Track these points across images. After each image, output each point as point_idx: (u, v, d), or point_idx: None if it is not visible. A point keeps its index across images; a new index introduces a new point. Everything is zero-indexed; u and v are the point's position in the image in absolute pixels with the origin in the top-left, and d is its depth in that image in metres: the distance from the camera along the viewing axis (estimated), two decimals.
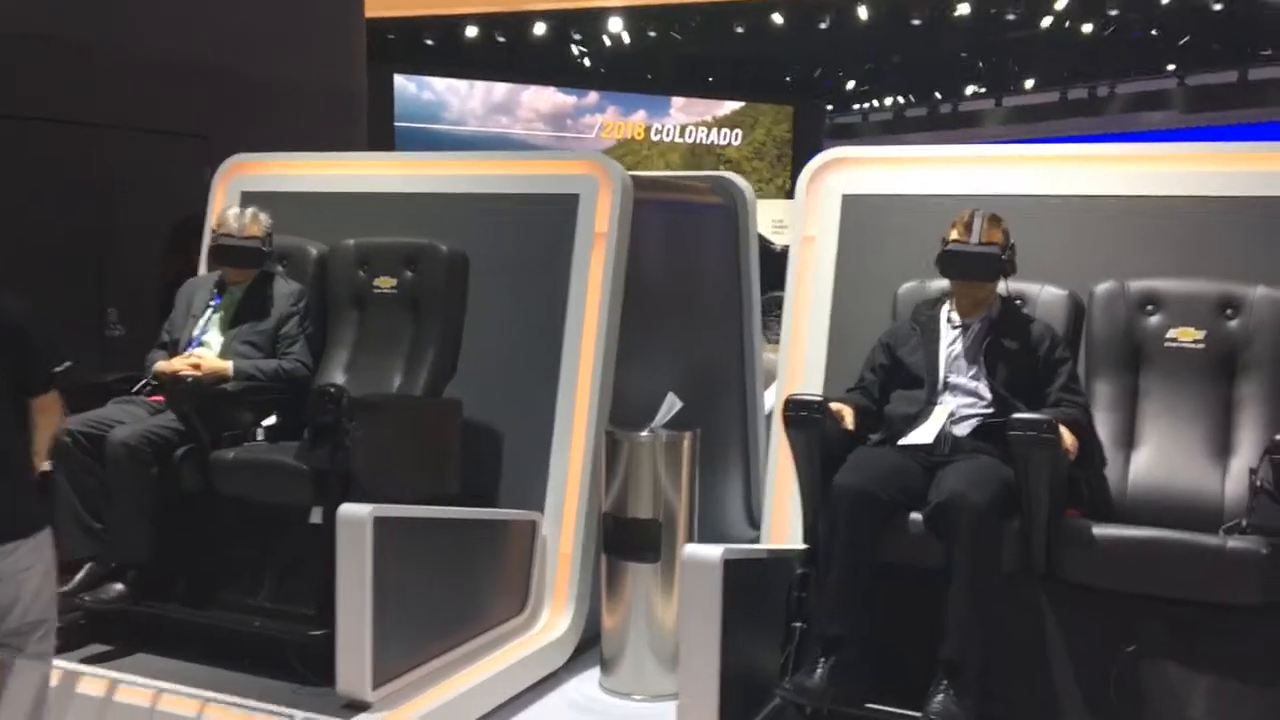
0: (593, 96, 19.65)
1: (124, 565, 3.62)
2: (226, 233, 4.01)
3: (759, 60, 19.38)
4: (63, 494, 3.63)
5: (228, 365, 3.86)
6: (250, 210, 4.08)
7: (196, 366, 3.81)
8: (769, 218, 14.95)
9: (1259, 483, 2.77)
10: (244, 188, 4.77)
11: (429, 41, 16.97)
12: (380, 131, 15.57)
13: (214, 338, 4.00)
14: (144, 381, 3.96)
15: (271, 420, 3.83)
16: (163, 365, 3.87)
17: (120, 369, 4.22)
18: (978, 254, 3.26)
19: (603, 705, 3.72)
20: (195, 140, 6.07)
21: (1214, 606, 2.86)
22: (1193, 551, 2.83)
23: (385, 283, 4.10)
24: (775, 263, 6.62)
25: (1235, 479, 3.09)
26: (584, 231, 4.07)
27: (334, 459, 3.37)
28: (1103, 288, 3.39)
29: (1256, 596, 2.79)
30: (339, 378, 4.04)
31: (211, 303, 4.06)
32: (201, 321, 4.03)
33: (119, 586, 3.59)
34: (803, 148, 19.42)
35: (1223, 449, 3.17)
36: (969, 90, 21.26)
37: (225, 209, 4.18)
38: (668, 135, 20.13)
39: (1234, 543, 2.81)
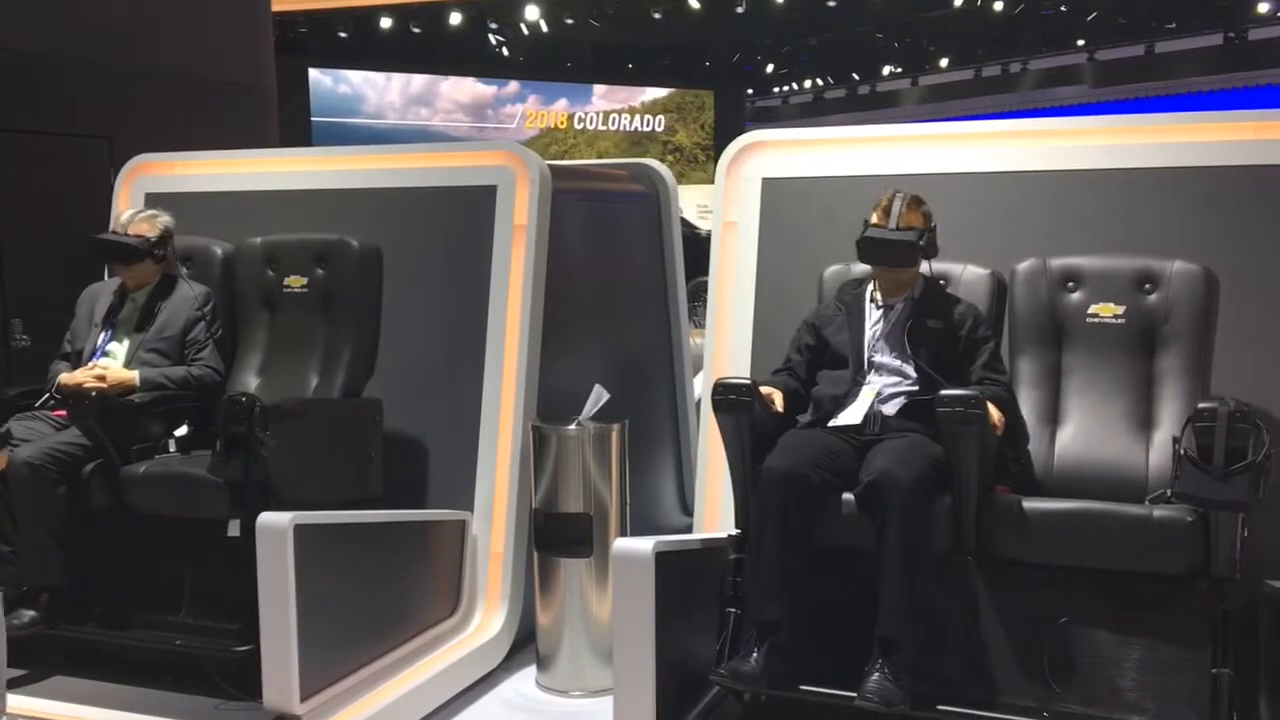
0: (513, 86, 19.52)
1: (36, 588, 3.48)
2: (112, 230, 3.88)
3: (678, 46, 19.37)
4: None
5: (134, 375, 3.73)
6: (148, 211, 3.96)
7: (101, 378, 3.67)
8: (694, 202, 15.01)
9: (1182, 450, 2.80)
10: (149, 189, 4.63)
11: (342, 34, 16.69)
12: (296, 128, 15.30)
13: (118, 347, 3.86)
14: (47, 395, 3.80)
15: (183, 430, 3.71)
16: (66, 378, 3.73)
17: (26, 380, 4.06)
18: (894, 240, 3.26)
19: (540, 703, 3.67)
20: (97, 141, 5.87)
21: (1142, 576, 2.89)
22: (1120, 522, 2.87)
23: (296, 281, 3.99)
24: (701, 248, 6.60)
25: (1159, 451, 3.13)
26: (503, 224, 3.99)
27: (249, 470, 3.27)
28: (1024, 266, 3.42)
29: (1183, 565, 2.83)
30: (252, 381, 3.94)
31: (112, 313, 3.90)
32: (105, 330, 3.88)
33: (31, 613, 3.45)
34: (725, 132, 19.47)
35: (1145, 422, 3.21)
36: (886, 70, 21.50)
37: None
38: (591, 123, 20.05)
39: (1160, 512, 2.85)
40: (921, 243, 3.26)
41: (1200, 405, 2.79)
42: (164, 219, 3.95)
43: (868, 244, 3.27)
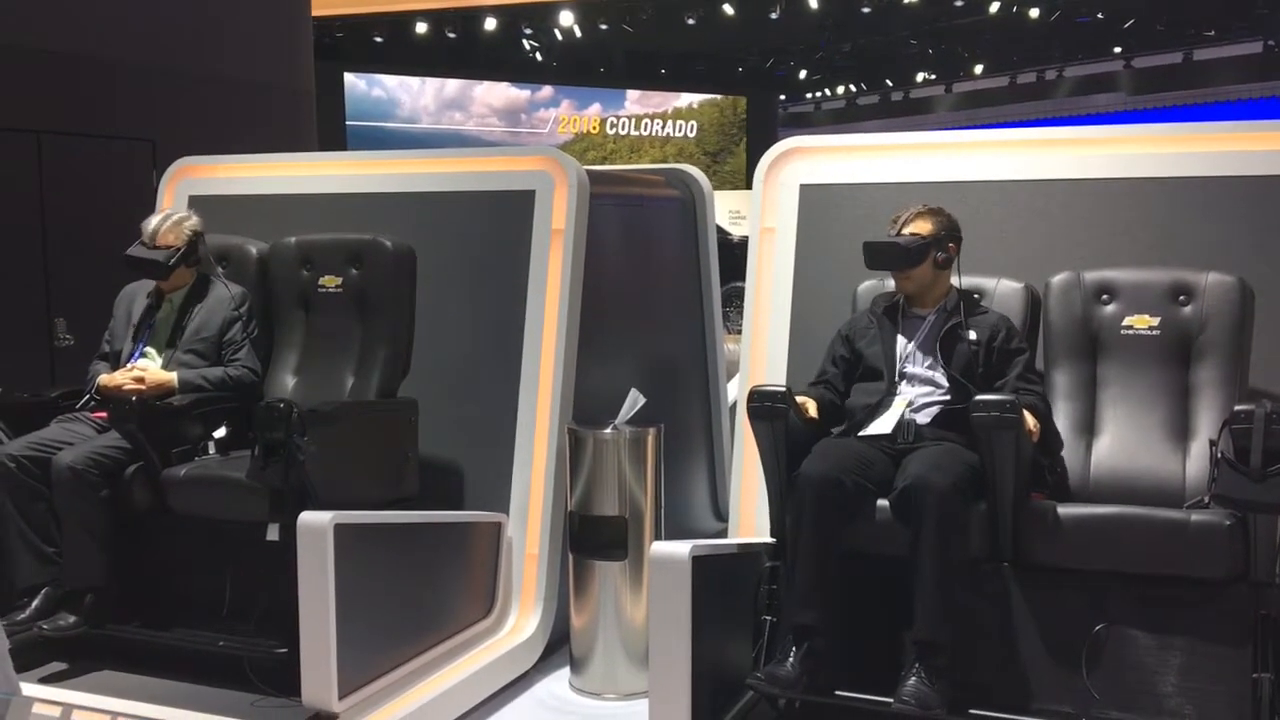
0: (547, 90, 19.62)
1: (80, 590, 3.52)
2: (140, 241, 3.87)
3: (711, 52, 19.40)
4: (11, 521, 3.53)
5: (172, 377, 3.75)
6: (174, 216, 3.92)
7: (140, 380, 3.70)
8: (725, 208, 15.02)
9: (1220, 453, 2.79)
10: (192, 191, 4.69)
11: (378, 39, 16.84)
12: (331, 131, 15.45)
13: (157, 347, 3.89)
14: (87, 397, 3.83)
15: (222, 432, 3.73)
16: (105, 379, 3.76)
17: (70, 379, 4.11)
18: (887, 244, 3.30)
19: (574, 705, 3.69)
20: (140, 144, 5.96)
21: (1180, 581, 2.88)
22: (1157, 527, 2.85)
23: (330, 281, 3.99)
24: (733, 253, 6.62)
25: (1195, 461, 3.12)
26: (541, 228, 4.02)
27: (287, 475, 3.28)
28: (1058, 279, 3.41)
29: (1222, 569, 2.82)
30: (289, 381, 3.96)
31: (149, 314, 3.93)
32: (142, 332, 3.91)
33: (74, 617, 3.48)
34: (757, 138, 19.51)
35: (1181, 433, 3.20)
36: (919, 77, 21.44)
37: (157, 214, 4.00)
38: (623, 128, 20.12)
39: (1198, 516, 2.84)
40: (911, 247, 3.27)
41: (1237, 408, 2.78)
42: (190, 222, 3.92)
43: (866, 249, 3.32)
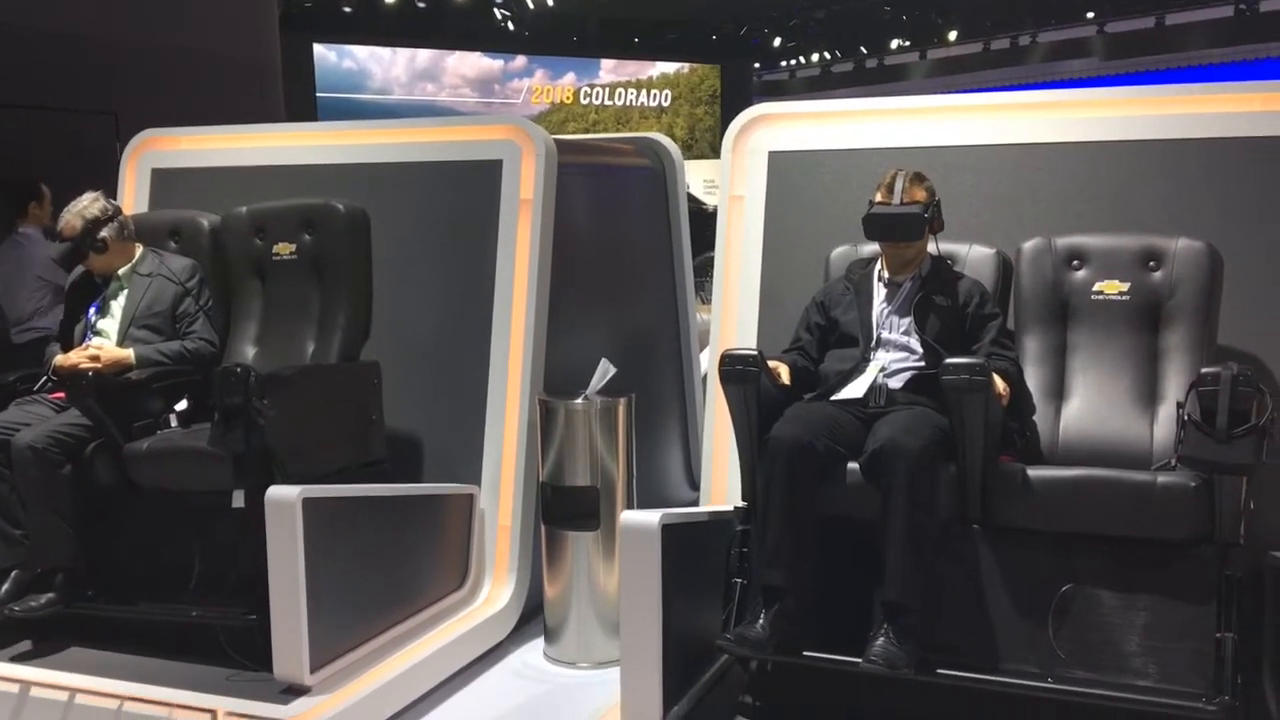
0: (520, 60, 19.45)
1: (50, 570, 3.50)
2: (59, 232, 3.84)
3: (685, 20, 19.28)
4: None
5: (128, 353, 3.72)
6: (78, 206, 3.83)
7: (95, 358, 3.66)
8: (700, 177, 14.96)
9: (1186, 415, 2.80)
10: (156, 164, 4.64)
11: (347, 9, 16.64)
12: (301, 103, 15.27)
13: (110, 325, 3.85)
14: (44, 378, 3.80)
15: (183, 405, 3.71)
16: (61, 359, 3.72)
17: (33, 360, 4.06)
18: (899, 214, 3.26)
19: (547, 675, 3.70)
20: (103, 116, 5.88)
21: (1147, 542, 2.90)
22: (1124, 488, 2.87)
23: (284, 248, 3.94)
24: (708, 223, 6.60)
25: (1163, 426, 3.14)
26: (509, 198, 3.99)
27: (249, 440, 3.26)
28: (1029, 244, 3.41)
29: (1187, 531, 2.84)
30: (249, 351, 3.93)
31: (98, 293, 3.89)
32: (94, 310, 3.88)
33: (47, 595, 3.47)
34: (732, 106, 19.41)
35: (1150, 397, 3.22)
36: (894, 44, 21.39)
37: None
38: (597, 98, 19.98)
39: (1164, 478, 2.86)
40: (926, 215, 3.27)
41: (1204, 370, 2.79)
42: (92, 209, 3.83)
43: (873, 220, 3.28)
